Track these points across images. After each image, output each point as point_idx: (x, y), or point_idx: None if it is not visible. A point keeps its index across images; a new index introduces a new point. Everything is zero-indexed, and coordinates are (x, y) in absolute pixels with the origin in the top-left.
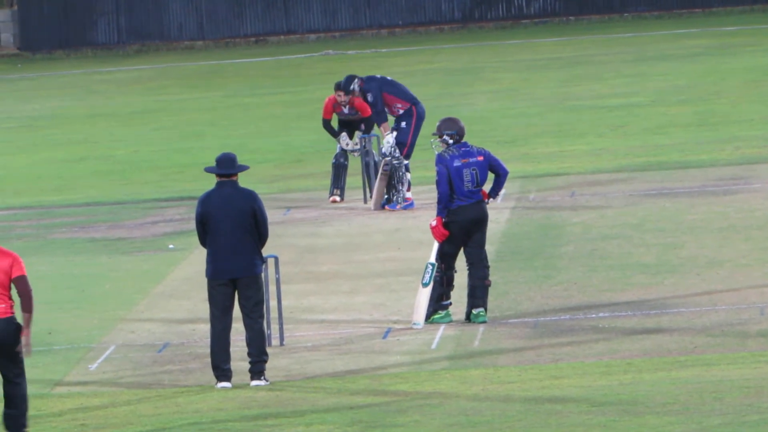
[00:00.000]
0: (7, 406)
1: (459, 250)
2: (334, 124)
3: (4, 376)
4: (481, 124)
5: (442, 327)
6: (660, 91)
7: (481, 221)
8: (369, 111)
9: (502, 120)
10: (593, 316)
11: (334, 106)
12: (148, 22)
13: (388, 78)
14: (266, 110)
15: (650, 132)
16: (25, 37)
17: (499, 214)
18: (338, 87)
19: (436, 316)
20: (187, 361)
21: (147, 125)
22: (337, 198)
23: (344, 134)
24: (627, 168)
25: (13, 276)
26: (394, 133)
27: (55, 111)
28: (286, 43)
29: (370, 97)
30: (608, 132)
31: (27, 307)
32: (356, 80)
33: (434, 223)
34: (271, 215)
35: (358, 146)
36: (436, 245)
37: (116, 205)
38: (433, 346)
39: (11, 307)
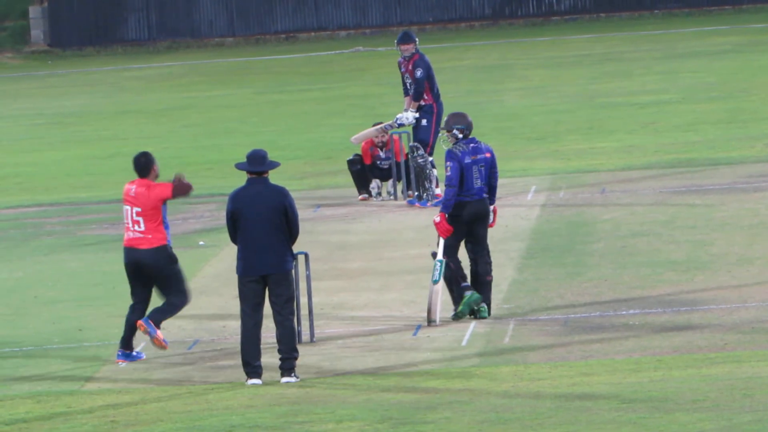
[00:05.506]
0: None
1: (460, 242)
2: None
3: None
4: (511, 121)
5: (473, 324)
6: (690, 88)
7: (483, 217)
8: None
9: (533, 117)
10: (623, 312)
11: (371, 149)
12: (178, 19)
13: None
14: (296, 107)
15: (680, 129)
16: (56, 34)
17: (529, 210)
18: (402, 41)
19: (466, 299)
20: (218, 358)
21: (176, 122)
22: (367, 195)
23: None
24: (657, 165)
25: (165, 197)
26: (417, 114)
27: (84, 108)
28: (316, 40)
29: (419, 73)
30: (638, 129)
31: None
32: (416, 44)
33: (438, 219)
34: (301, 212)
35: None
36: (441, 242)
37: None
38: (464, 343)
39: (165, 237)
